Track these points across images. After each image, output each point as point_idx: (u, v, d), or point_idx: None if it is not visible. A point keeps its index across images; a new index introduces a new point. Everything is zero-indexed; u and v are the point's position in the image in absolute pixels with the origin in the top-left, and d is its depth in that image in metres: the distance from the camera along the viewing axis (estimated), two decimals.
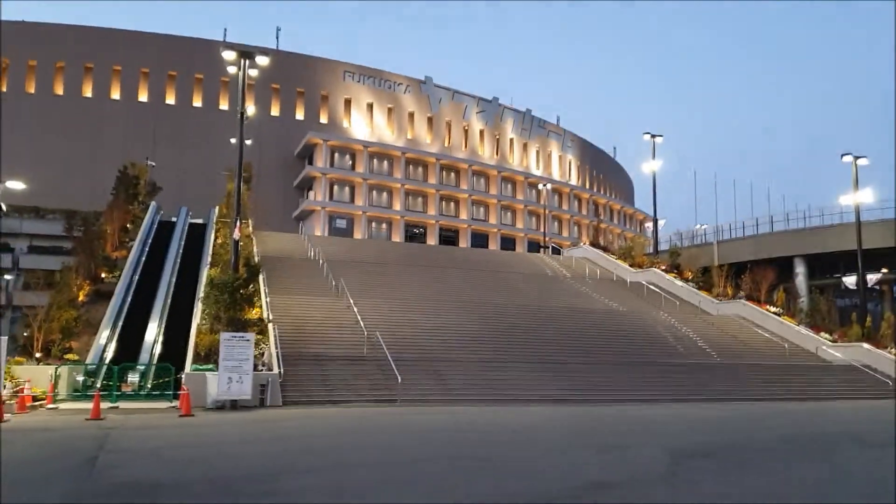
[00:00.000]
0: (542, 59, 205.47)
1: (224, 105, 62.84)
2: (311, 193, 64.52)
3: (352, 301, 25.29)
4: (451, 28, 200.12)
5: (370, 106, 70.46)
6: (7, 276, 35.18)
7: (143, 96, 62.88)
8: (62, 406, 16.51)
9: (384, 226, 66.53)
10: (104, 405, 16.10)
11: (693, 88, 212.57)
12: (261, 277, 25.18)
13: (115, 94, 62.16)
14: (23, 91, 59.59)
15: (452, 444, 11.12)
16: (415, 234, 67.44)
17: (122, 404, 16.86)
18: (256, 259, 27.85)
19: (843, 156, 34.14)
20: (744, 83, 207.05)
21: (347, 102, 69.76)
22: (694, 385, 23.89)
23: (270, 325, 20.16)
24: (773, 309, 32.18)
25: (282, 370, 18.35)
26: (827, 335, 30.19)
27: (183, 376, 17.17)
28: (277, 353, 18.94)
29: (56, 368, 17.24)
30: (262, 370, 17.95)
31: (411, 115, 72.38)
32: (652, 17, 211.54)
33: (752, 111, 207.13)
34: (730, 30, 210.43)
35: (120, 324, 23.08)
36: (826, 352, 29.03)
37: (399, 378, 19.17)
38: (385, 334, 22.79)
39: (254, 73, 36.44)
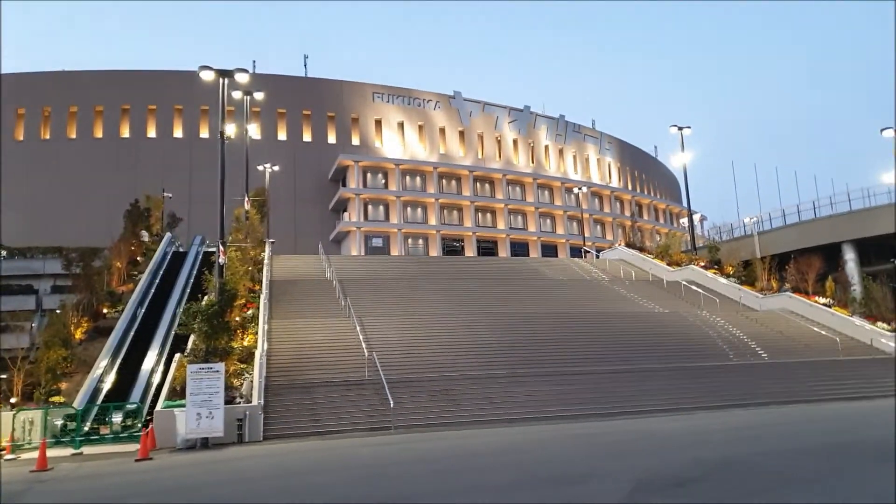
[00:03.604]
0: (572, 64, 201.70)
1: (256, 135, 63.27)
2: (346, 215, 64.11)
3: (357, 321, 23.90)
4: (477, 41, 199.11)
5: (401, 124, 69.82)
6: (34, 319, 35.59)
7: (177, 132, 64.15)
8: (25, 455, 15.39)
9: (421, 242, 65.35)
10: (67, 452, 15.14)
11: (727, 77, 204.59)
12: (261, 301, 24.18)
13: (152, 132, 63.67)
14: (64, 136, 61.78)
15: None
16: (453, 248, 65.91)
17: (90, 449, 15.77)
18: (265, 282, 26.94)
19: (882, 130, 31.04)
20: (781, 65, 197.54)
21: (378, 123, 69.32)
22: (742, 388, 21.74)
23: (257, 353, 18.92)
24: (822, 300, 29.08)
25: (262, 401, 17.00)
26: (884, 325, 27.20)
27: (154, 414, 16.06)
28: (260, 382, 17.62)
29: (14, 414, 16.30)
30: (240, 402, 16.68)
31: (442, 130, 71.30)
32: (679, 12, 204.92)
33: (789, 93, 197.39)
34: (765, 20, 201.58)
35: (119, 360, 22.39)
36: (883, 343, 26.11)
37: (391, 402, 17.53)
38: (388, 355, 21.27)
39: (259, 96, 36.55)
